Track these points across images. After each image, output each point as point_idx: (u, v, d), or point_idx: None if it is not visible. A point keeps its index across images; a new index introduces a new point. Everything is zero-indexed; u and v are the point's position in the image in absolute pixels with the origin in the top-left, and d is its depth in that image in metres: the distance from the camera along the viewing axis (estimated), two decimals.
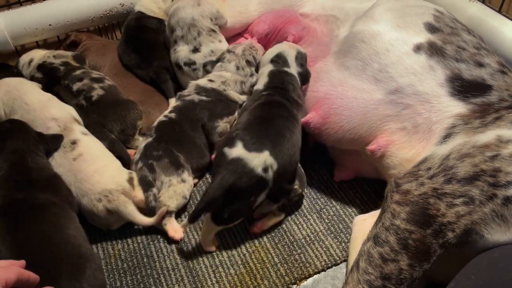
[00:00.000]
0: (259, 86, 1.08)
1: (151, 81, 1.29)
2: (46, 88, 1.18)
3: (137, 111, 1.15)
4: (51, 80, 1.21)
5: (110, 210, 0.96)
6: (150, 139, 1.07)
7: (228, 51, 1.23)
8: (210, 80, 1.18)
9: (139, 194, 1.00)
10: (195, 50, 1.25)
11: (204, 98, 1.14)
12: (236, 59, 1.20)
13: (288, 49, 1.12)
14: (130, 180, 1.00)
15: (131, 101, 1.18)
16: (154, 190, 1.01)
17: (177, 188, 1.01)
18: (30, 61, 1.29)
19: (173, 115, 1.11)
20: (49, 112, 1.05)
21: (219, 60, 1.23)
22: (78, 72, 1.21)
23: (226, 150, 0.91)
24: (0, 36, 1.31)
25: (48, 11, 1.35)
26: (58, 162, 0.99)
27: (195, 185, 1.11)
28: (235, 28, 1.30)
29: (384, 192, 1.02)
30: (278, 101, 1.00)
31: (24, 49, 1.42)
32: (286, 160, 0.92)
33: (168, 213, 1.00)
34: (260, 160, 0.88)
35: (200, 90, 1.16)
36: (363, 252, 0.82)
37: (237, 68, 1.20)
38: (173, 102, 1.22)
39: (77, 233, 0.88)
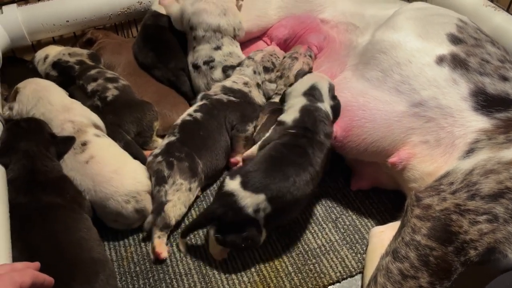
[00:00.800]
0: (288, 119, 1.00)
1: (168, 82, 1.28)
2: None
3: (152, 112, 1.14)
4: (66, 80, 1.21)
5: (139, 210, 0.97)
6: (173, 138, 1.05)
7: (248, 57, 1.25)
8: (234, 82, 1.18)
9: None
10: (217, 48, 1.25)
11: (232, 98, 1.14)
12: (254, 65, 1.22)
13: (321, 81, 1.05)
14: (149, 179, 1.00)
15: (147, 102, 1.17)
16: (167, 187, 0.99)
17: (182, 196, 1.00)
18: (46, 58, 1.29)
19: (198, 115, 1.10)
20: (69, 114, 1.04)
21: (239, 65, 1.24)
22: (93, 71, 1.20)
23: (227, 180, 0.90)
24: (17, 31, 1.30)
25: (65, 7, 1.34)
26: (69, 165, 0.98)
27: (197, 197, 1.08)
28: (253, 32, 1.29)
29: (401, 204, 1.01)
30: (300, 146, 0.95)
31: (40, 44, 1.41)
32: (285, 207, 0.91)
33: (166, 228, 0.98)
34: (252, 201, 0.87)
35: (227, 90, 1.16)
36: (381, 266, 0.80)
37: (254, 72, 1.21)
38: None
39: (89, 236, 0.87)
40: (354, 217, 1.06)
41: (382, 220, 1.05)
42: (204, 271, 0.95)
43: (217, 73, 1.25)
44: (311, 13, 1.29)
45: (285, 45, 1.30)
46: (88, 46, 1.38)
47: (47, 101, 1.06)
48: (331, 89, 1.05)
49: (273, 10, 1.28)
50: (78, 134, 1.01)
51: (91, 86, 1.17)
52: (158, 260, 0.96)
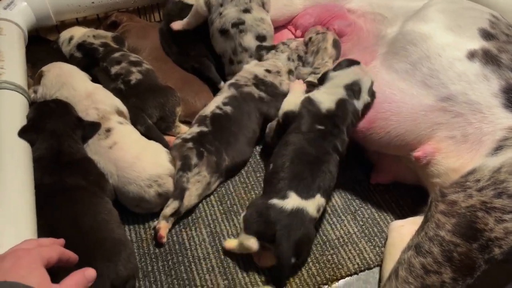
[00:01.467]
0: (322, 106, 0.99)
1: (192, 70, 1.28)
2: (84, 70, 1.17)
3: (175, 98, 1.14)
4: (90, 61, 1.21)
5: (161, 194, 0.97)
6: (205, 129, 1.05)
7: (283, 43, 1.24)
8: (267, 71, 1.18)
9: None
10: (246, 11, 1.22)
11: (263, 95, 1.14)
12: (289, 52, 1.22)
13: (364, 77, 1.02)
14: (171, 161, 1.00)
15: (170, 88, 1.16)
16: (190, 174, 0.99)
17: (200, 188, 1.01)
18: (70, 39, 1.30)
19: (229, 109, 1.10)
20: (93, 100, 1.04)
21: (273, 48, 1.24)
22: (116, 54, 1.20)
23: (277, 202, 0.88)
24: (43, 11, 1.31)
25: None
26: (93, 149, 0.99)
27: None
28: (279, 21, 1.28)
29: (421, 199, 1.01)
30: (330, 138, 0.96)
31: (64, 25, 1.41)
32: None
33: (176, 213, 0.98)
34: (314, 204, 0.90)
35: (259, 82, 1.15)
36: (403, 260, 0.80)
37: (288, 59, 1.22)
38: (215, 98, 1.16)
39: (110, 218, 0.88)
40: (373, 210, 1.05)
41: (401, 214, 1.04)
42: (222, 256, 0.96)
43: (248, 39, 1.21)
44: (338, 2, 1.27)
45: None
46: (112, 28, 1.38)
47: (70, 86, 1.06)
48: (372, 86, 1.03)
49: None
50: (102, 121, 1.01)
51: (114, 69, 1.17)
52: (158, 244, 0.97)
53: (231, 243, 0.94)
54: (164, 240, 0.96)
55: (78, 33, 1.30)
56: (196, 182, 1.00)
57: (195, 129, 1.07)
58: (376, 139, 1.00)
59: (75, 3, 1.34)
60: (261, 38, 1.22)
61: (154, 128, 1.11)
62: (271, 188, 0.92)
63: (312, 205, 0.89)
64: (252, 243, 0.88)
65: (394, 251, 0.90)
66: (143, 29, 1.35)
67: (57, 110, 0.99)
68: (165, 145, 1.07)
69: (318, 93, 1.03)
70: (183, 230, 1.01)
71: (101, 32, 1.30)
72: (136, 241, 0.98)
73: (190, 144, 1.02)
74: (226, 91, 1.14)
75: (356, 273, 0.94)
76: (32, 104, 1.06)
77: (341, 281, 0.93)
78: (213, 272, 0.93)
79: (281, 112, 1.04)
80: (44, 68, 1.12)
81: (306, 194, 0.89)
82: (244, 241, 0.89)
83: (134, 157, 0.97)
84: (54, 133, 0.95)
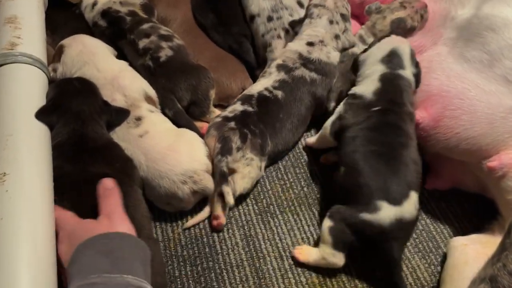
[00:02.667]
0: (367, 92, 0.88)
1: (229, 50, 1.14)
2: (109, 42, 1.06)
3: (209, 79, 1.01)
4: (116, 32, 1.08)
5: (196, 191, 0.87)
6: (250, 109, 0.94)
7: (315, 5, 1.08)
8: (309, 44, 1.04)
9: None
10: None
11: (314, 75, 1.01)
12: (329, 13, 1.06)
13: (401, 45, 0.91)
14: (208, 155, 0.89)
15: (203, 68, 1.03)
16: (230, 158, 0.88)
17: (253, 171, 0.90)
18: (94, 4, 1.16)
19: (280, 94, 0.98)
20: (120, 84, 0.92)
21: (305, 18, 1.09)
22: (145, 26, 1.07)
23: (370, 217, 0.77)
24: None
25: None
26: (120, 136, 0.88)
27: None
28: None
29: (483, 211, 0.90)
30: (395, 123, 0.83)
31: None
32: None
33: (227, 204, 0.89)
34: (412, 204, 0.79)
35: (306, 62, 1.02)
36: None
37: (331, 22, 1.06)
38: (260, 80, 1.05)
39: (136, 212, 0.78)
40: (428, 221, 0.93)
41: (460, 227, 0.92)
42: (257, 265, 0.86)
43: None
44: None
45: (361, 7, 1.13)
46: None
47: (94, 66, 0.94)
48: (413, 54, 0.92)
49: None
50: (132, 108, 0.90)
51: (143, 43, 1.04)
52: (186, 245, 0.88)
53: (307, 255, 0.83)
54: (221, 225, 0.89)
55: None
56: (246, 166, 0.89)
57: (238, 107, 0.95)
58: (442, 139, 0.86)
59: None
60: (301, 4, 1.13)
61: (184, 114, 0.99)
62: (355, 198, 0.80)
63: (409, 206, 0.78)
64: (339, 259, 0.81)
65: (456, 275, 0.79)
66: None
67: (82, 90, 0.86)
68: (197, 133, 0.96)
69: (359, 86, 0.92)
70: (214, 231, 0.91)
71: None
72: (162, 241, 0.89)
73: (232, 124, 0.91)
74: (275, 74, 1.02)
75: None
76: (51, 82, 0.94)
77: None
78: (247, 282, 0.84)
79: (327, 131, 0.93)
80: (64, 42, 0.99)
81: (398, 197, 0.78)
82: (329, 257, 0.81)
83: (168, 148, 0.86)
84: (78, 115, 0.83)
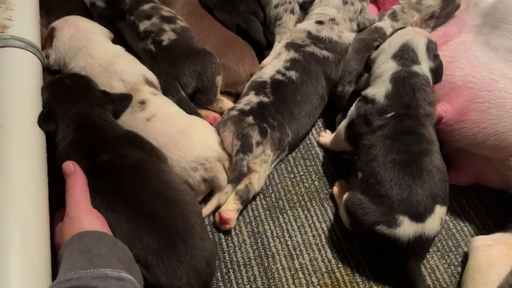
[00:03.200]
0: (378, 95, 0.81)
1: (237, 29, 1.07)
2: (108, 23, 0.99)
3: (215, 65, 0.95)
4: (115, 13, 1.01)
5: (207, 180, 0.82)
6: (266, 99, 0.89)
7: None
8: (319, 22, 0.99)
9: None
10: None
11: (326, 53, 0.96)
12: None
13: (415, 37, 0.83)
14: (220, 144, 0.85)
15: (208, 52, 0.96)
16: (251, 156, 0.84)
17: (266, 169, 0.87)
18: None
19: (294, 75, 0.92)
20: (115, 69, 0.86)
21: None
22: (146, 6, 1.00)
23: (388, 231, 0.72)
24: None
25: None
26: (126, 123, 0.83)
27: None
28: None
29: (506, 208, 0.85)
30: (413, 129, 0.77)
31: None
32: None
33: (245, 201, 0.85)
34: (436, 220, 0.73)
35: (315, 40, 0.97)
36: None
37: (345, 3, 1.00)
38: (269, 61, 1.00)
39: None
40: (447, 218, 0.88)
41: (482, 226, 0.87)
42: (265, 264, 0.81)
43: None
44: None
45: None
46: None
47: (87, 53, 0.88)
48: (431, 47, 0.84)
49: None
50: (133, 93, 0.85)
51: (144, 25, 0.97)
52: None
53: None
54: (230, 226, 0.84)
55: None
56: (263, 163, 0.86)
57: (253, 98, 0.90)
58: (467, 135, 0.80)
59: None
60: None
61: (188, 102, 0.93)
62: (374, 205, 0.74)
63: (432, 222, 0.73)
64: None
65: (479, 278, 0.73)
66: None
67: (75, 88, 0.80)
68: None
69: (371, 88, 0.84)
70: (220, 228, 0.86)
71: None
72: None
73: (250, 119, 0.86)
74: (284, 53, 0.96)
75: None
76: (46, 69, 0.88)
77: None
78: (255, 283, 0.79)
79: (341, 136, 0.88)
80: (56, 25, 0.93)
81: (422, 212, 0.72)
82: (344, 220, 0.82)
83: (178, 132, 0.81)
84: (78, 114, 0.76)
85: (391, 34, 0.89)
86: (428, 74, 0.82)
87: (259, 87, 0.91)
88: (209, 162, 0.81)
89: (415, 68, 0.81)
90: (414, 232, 0.72)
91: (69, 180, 0.66)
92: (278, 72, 0.93)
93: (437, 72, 0.83)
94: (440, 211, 0.74)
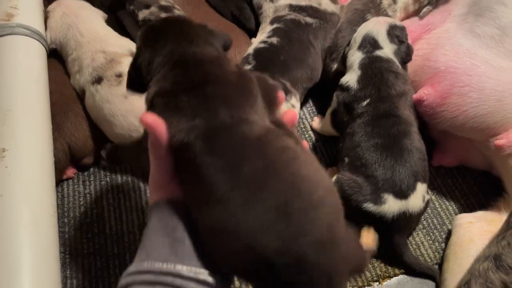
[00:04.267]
0: (351, 82, 0.87)
1: (231, 17, 1.10)
2: (109, 12, 1.03)
3: None
4: (116, 3, 1.05)
5: None
6: (248, 66, 0.91)
7: None
8: None
9: None
10: None
11: (308, 19, 0.98)
12: None
13: (375, 26, 0.89)
14: None
15: None
16: None
17: None
18: None
19: (275, 40, 0.94)
20: (101, 45, 0.89)
21: None
22: None
23: (374, 208, 0.77)
24: None
25: None
26: (104, 96, 0.84)
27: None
28: None
29: (489, 188, 0.89)
30: (389, 112, 0.81)
31: None
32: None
33: None
34: (418, 197, 0.78)
35: (296, 9, 0.99)
36: (477, 272, 0.68)
37: None
38: (256, 40, 1.01)
39: None
40: (433, 197, 0.92)
41: (466, 205, 0.91)
42: None
43: None
44: None
45: None
46: None
47: (77, 31, 0.91)
48: (393, 32, 0.89)
49: None
50: (111, 64, 0.86)
51: (142, 14, 1.00)
52: None
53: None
54: None
55: None
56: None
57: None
58: (449, 117, 0.84)
59: None
60: None
61: None
62: (361, 185, 0.79)
63: (415, 199, 0.78)
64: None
65: (460, 253, 0.78)
66: None
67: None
68: None
69: (345, 76, 0.91)
70: None
71: None
72: None
73: None
74: (268, 27, 0.99)
75: None
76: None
77: (394, 279, 0.82)
78: None
79: (328, 122, 0.93)
80: (49, 7, 0.97)
81: (404, 190, 0.77)
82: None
83: None
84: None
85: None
86: (392, 56, 0.88)
87: (242, 61, 0.94)
88: None
89: (378, 52, 0.87)
90: (399, 209, 0.77)
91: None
92: (261, 42, 0.95)
93: (404, 53, 0.89)
94: (421, 188, 0.79)
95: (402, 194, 0.77)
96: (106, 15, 1.01)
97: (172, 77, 0.49)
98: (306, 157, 0.46)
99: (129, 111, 0.84)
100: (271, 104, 0.51)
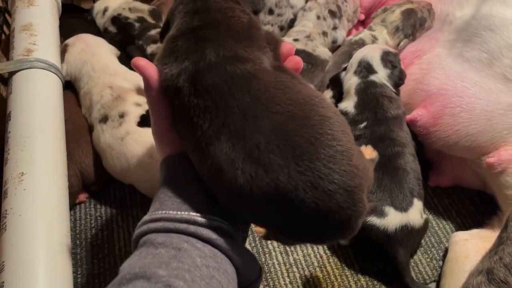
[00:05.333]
0: (349, 107, 0.92)
1: None
2: (119, 47, 1.10)
3: None
4: (125, 38, 1.12)
5: None
6: None
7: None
8: (295, 40, 1.06)
9: None
10: None
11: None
12: (318, 8, 1.09)
13: (370, 52, 0.95)
14: None
15: None
16: None
17: None
18: (105, 10, 1.21)
19: None
20: (110, 80, 0.94)
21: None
22: (153, 32, 1.11)
23: (377, 221, 0.81)
24: None
25: None
26: (108, 140, 0.89)
27: None
28: None
29: (485, 207, 0.92)
30: (384, 135, 0.86)
31: None
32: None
33: None
34: (416, 212, 0.82)
35: None
36: (471, 286, 0.70)
37: (318, 17, 1.09)
38: None
39: None
40: (430, 217, 0.95)
41: (462, 223, 0.94)
42: (263, 259, 0.89)
43: None
44: None
45: (369, 14, 1.15)
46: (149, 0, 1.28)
47: (90, 67, 0.97)
48: (387, 57, 0.94)
49: None
50: (117, 102, 0.91)
51: (150, 48, 1.08)
52: None
53: None
54: None
55: (113, 4, 1.20)
56: None
57: None
58: (442, 137, 0.88)
59: None
60: None
61: None
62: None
63: (414, 213, 0.82)
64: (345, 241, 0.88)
65: (456, 269, 0.81)
66: None
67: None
68: None
69: (343, 102, 0.95)
70: None
71: (137, 4, 1.20)
72: None
73: None
74: None
75: None
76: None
77: None
78: None
79: None
80: (69, 41, 1.04)
81: (403, 205, 0.81)
82: None
83: (148, 155, 0.85)
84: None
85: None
86: (386, 80, 0.93)
87: None
88: None
89: (372, 77, 0.92)
90: (400, 221, 0.80)
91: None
92: None
93: (397, 77, 0.94)
94: (418, 204, 0.82)
95: (402, 207, 0.81)
96: (119, 52, 1.07)
97: (179, 24, 0.50)
98: (302, 87, 0.46)
99: (122, 155, 0.88)
100: (275, 49, 0.52)
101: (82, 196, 0.97)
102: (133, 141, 0.86)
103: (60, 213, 0.76)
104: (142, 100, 0.92)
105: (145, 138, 0.86)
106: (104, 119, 0.91)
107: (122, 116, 0.89)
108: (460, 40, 0.93)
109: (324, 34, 1.08)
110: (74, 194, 0.94)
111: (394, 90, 0.93)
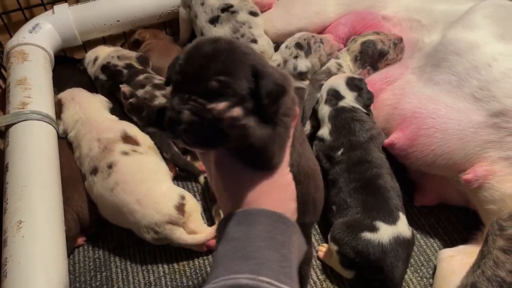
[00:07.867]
0: (325, 134, 0.98)
1: None
2: (109, 93, 1.16)
3: None
4: (115, 84, 1.17)
5: (158, 239, 0.92)
6: None
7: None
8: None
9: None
10: None
11: None
12: (290, 40, 1.16)
13: (335, 81, 1.02)
14: (180, 206, 0.91)
15: None
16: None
17: None
18: (95, 59, 1.27)
19: None
20: (97, 132, 1.00)
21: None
22: (141, 77, 1.16)
23: (371, 236, 0.83)
24: (69, 32, 1.28)
25: (116, 6, 1.31)
26: (100, 190, 0.94)
27: None
28: (309, 31, 1.20)
29: (471, 223, 0.93)
30: (360, 159, 0.91)
31: (90, 42, 1.39)
32: None
33: None
34: (404, 224, 0.86)
35: None
36: None
37: (286, 47, 1.16)
38: None
39: None
40: (418, 236, 0.97)
41: (450, 241, 0.96)
42: None
43: (242, 16, 1.21)
44: (373, 9, 1.19)
45: (345, 43, 1.21)
46: (136, 47, 1.35)
47: (81, 124, 1.04)
48: (351, 82, 1.01)
49: (332, 6, 1.19)
50: (105, 154, 0.96)
51: (139, 93, 1.13)
52: (191, 276, 0.94)
53: (327, 257, 0.92)
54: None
55: (103, 53, 1.27)
56: None
57: None
58: (419, 157, 0.92)
59: (100, 22, 1.31)
60: (254, 14, 1.22)
61: (181, 156, 1.07)
62: (354, 223, 0.86)
63: (403, 225, 0.85)
64: (348, 274, 0.89)
65: (444, 285, 0.83)
66: (165, 47, 1.31)
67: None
68: (196, 172, 1.04)
69: (321, 130, 1.02)
70: None
71: (125, 52, 1.26)
72: (168, 273, 0.95)
73: None
74: None
75: None
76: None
77: None
78: None
79: None
80: (62, 98, 1.10)
81: (391, 219, 0.85)
82: (341, 271, 0.90)
83: (135, 202, 0.90)
84: None
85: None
86: (355, 103, 0.99)
87: None
88: (158, 227, 0.90)
89: (341, 103, 0.99)
90: (392, 233, 0.83)
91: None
92: None
93: (365, 97, 1.00)
94: (403, 217, 0.86)
95: (390, 221, 0.84)
96: (111, 105, 1.13)
97: None
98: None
99: (113, 204, 0.92)
100: None
101: (80, 240, 1.00)
102: (122, 191, 0.92)
103: (58, 257, 0.80)
104: (129, 148, 0.97)
105: (132, 187, 0.91)
106: (94, 171, 0.96)
107: (110, 166, 0.94)
108: (429, 65, 0.99)
109: (285, 62, 1.14)
110: (73, 237, 0.97)
111: (365, 110, 0.99)
